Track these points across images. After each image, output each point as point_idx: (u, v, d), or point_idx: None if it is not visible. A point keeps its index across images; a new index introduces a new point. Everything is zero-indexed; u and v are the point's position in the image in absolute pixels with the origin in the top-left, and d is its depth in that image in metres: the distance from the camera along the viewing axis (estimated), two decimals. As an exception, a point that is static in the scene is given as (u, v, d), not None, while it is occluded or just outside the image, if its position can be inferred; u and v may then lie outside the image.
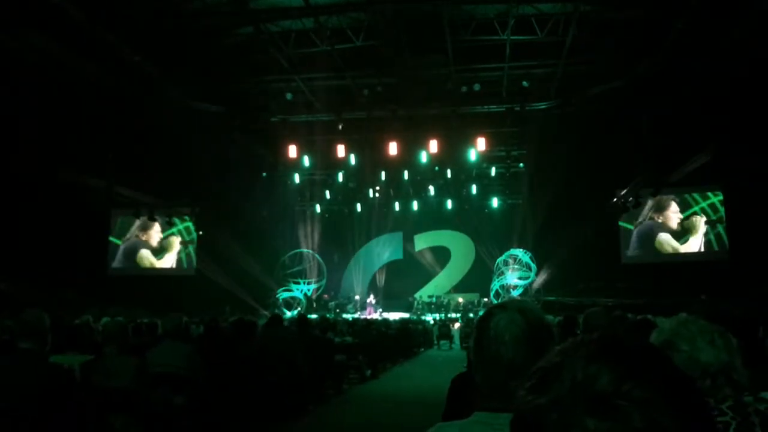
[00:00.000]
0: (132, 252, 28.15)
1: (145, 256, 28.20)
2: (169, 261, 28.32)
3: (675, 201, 25.31)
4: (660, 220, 25.53)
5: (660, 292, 19.80)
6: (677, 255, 25.06)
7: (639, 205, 23.16)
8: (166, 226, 27.29)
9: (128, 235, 28.18)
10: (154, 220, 25.77)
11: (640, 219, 25.55)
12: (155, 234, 28.17)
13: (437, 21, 18.03)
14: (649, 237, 25.58)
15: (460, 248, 31.69)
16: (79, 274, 22.07)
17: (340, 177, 27.20)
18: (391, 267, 32.09)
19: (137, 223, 27.38)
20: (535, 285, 27.17)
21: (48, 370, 3.54)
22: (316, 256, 29.40)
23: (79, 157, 20.15)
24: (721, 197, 24.69)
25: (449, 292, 30.89)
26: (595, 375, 0.67)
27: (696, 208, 25.22)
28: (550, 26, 18.59)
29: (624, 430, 0.63)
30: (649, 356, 0.71)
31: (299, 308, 27.19)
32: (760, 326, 3.82)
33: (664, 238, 25.40)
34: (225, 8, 18.01)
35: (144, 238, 28.22)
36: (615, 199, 23.46)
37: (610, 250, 25.30)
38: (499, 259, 28.16)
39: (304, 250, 29.42)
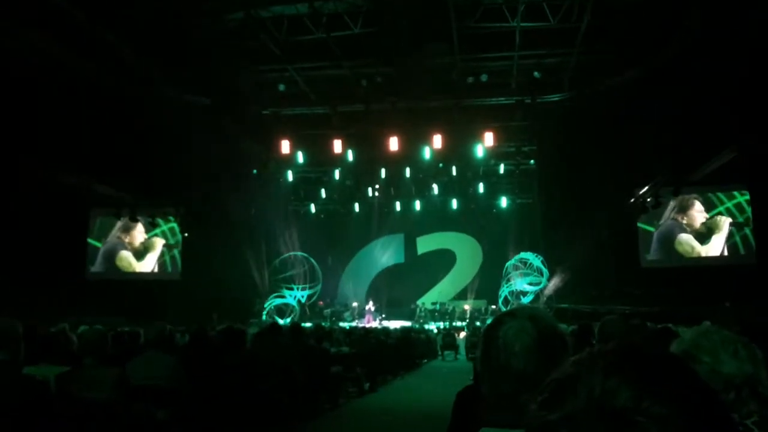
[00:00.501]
0: (112, 255, 28.12)
1: (126, 258, 28.19)
2: (151, 265, 28.30)
3: (699, 200, 25.33)
4: (683, 221, 25.55)
5: (681, 299, 19.79)
6: (700, 259, 25.06)
7: (659, 205, 23.15)
8: (149, 227, 27.28)
9: (108, 237, 28.18)
10: (136, 220, 25.77)
11: (662, 220, 25.56)
12: (138, 235, 28.17)
13: (441, 6, 18.02)
14: (669, 239, 25.59)
15: (466, 251, 31.70)
16: (55, 279, 22.02)
17: (337, 174, 27.22)
18: (391, 272, 32.09)
19: (118, 224, 27.38)
20: (547, 291, 27.16)
21: (21, 383, 3.53)
22: (311, 259, 29.38)
23: (54, 152, 20.12)
24: (747, 197, 24.68)
25: (454, 298, 30.90)
26: (614, 390, 0.67)
27: (721, 209, 25.22)
28: (563, 12, 18.58)
29: None
30: (672, 368, 0.70)
31: (292, 316, 27.17)
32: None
33: (685, 238, 25.42)
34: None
35: (126, 240, 28.21)
36: (633, 199, 23.44)
37: (628, 253, 25.26)
38: (508, 263, 28.14)
39: (298, 253, 29.41)
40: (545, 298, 26.89)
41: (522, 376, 1.47)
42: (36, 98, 18.34)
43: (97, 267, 28.11)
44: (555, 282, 26.97)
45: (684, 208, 25.49)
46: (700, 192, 24.90)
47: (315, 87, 22.98)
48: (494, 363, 1.51)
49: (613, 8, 18.28)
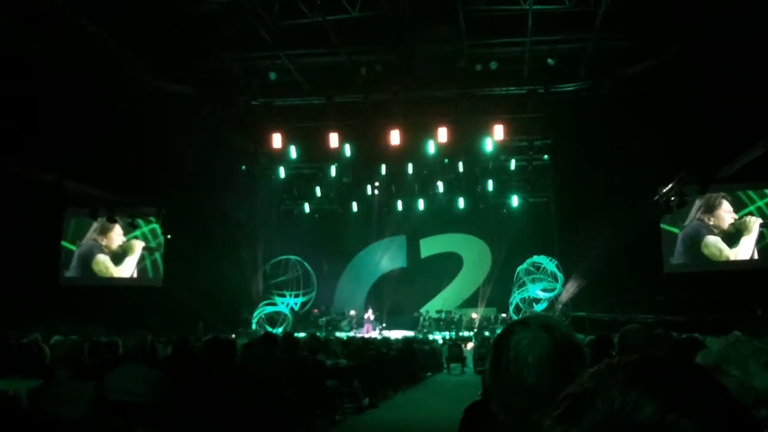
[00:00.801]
0: (87, 258, 28.13)
1: (103, 262, 28.19)
2: (131, 269, 28.31)
3: (727, 199, 25.32)
4: (710, 222, 25.56)
5: (708, 307, 19.79)
6: (728, 263, 25.06)
7: (684, 204, 23.13)
8: (129, 229, 27.28)
9: (83, 239, 28.18)
10: (114, 221, 25.77)
11: (687, 221, 25.57)
12: (116, 237, 28.18)
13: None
14: (695, 241, 25.61)
15: (474, 255, 31.69)
16: (26, 285, 22.04)
17: (333, 171, 27.19)
18: (392, 277, 32.05)
19: (94, 225, 27.38)
20: (562, 298, 27.17)
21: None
22: (305, 263, 29.36)
23: (22, 146, 20.10)
24: (780, 195, 24.74)
25: (461, 306, 30.88)
26: (635, 403, 0.67)
27: (751, 208, 25.23)
28: (580, -7, 18.59)
29: None
30: (699, 381, 0.70)
31: (284, 325, 27.17)
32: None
33: (712, 240, 25.42)
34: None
35: (103, 242, 28.21)
36: (656, 198, 23.43)
37: (651, 257, 25.27)
38: (520, 268, 28.14)
39: (291, 256, 29.39)
40: (560, 306, 26.90)
41: (535, 390, 1.47)
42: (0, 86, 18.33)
43: (71, 272, 28.11)
44: (571, 288, 26.97)
45: (711, 208, 25.49)
46: (728, 190, 24.92)
47: (309, 75, 22.97)
48: (505, 376, 1.52)
49: (634, -11, 18.29)
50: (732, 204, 25.44)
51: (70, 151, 21.59)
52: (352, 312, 29.75)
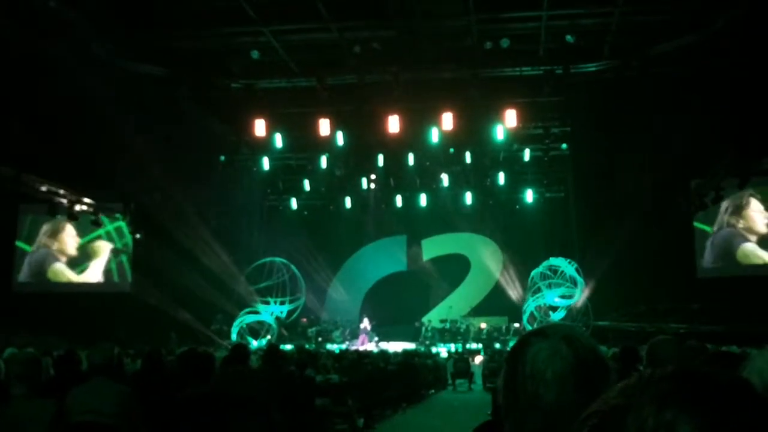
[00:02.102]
0: (42, 263, 28.11)
1: (60, 269, 28.18)
2: (95, 274, 28.29)
3: (756, 197, 25.26)
4: (740, 225, 25.55)
5: (747, 316, 19.82)
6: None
7: (720, 199, 23.18)
8: (92, 228, 27.23)
9: (34, 244, 28.15)
10: (76, 218, 25.72)
11: (715, 225, 25.60)
12: (69, 239, 28.10)
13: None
14: (729, 252, 25.58)
15: (483, 257, 31.68)
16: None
17: (324, 162, 27.16)
18: (391, 282, 32.05)
19: (44, 227, 27.42)
20: (580, 304, 27.17)
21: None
22: (292, 267, 29.37)
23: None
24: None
25: (468, 315, 30.88)
26: (671, 423, 0.67)
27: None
28: (603, -38, 18.63)
29: None
30: (742, 396, 0.70)
31: (269, 336, 27.16)
32: None
33: (750, 248, 25.41)
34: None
35: (54, 247, 28.15)
36: (690, 193, 23.45)
37: (683, 260, 25.31)
38: (535, 272, 28.15)
39: (276, 259, 29.40)
40: (579, 315, 26.92)
41: (554, 409, 1.48)
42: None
43: (25, 276, 28.09)
44: (591, 294, 26.99)
45: (738, 209, 25.43)
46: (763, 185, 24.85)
47: (297, 54, 22.93)
48: (520, 394, 1.52)
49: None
50: (762, 202, 25.37)
51: (26, 141, 21.55)
52: (346, 321, 29.73)
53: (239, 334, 27.06)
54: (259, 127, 24.15)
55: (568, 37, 21.73)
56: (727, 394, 0.69)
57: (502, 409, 1.58)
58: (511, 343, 1.69)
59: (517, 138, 25.86)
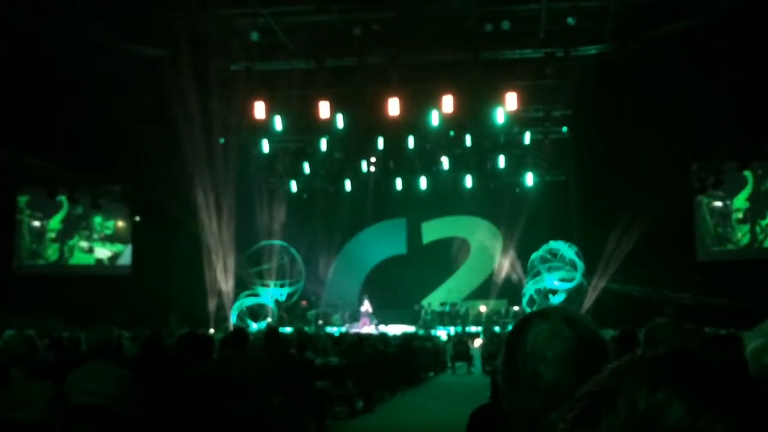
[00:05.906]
0: (41, 245, 28.18)
1: (57, 249, 28.25)
2: (94, 255, 28.34)
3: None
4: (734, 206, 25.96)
5: (751, 292, 19.85)
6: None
7: (721, 183, 23.20)
8: (91, 210, 27.25)
9: (34, 223, 28.22)
10: (75, 200, 25.73)
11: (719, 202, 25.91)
12: (74, 220, 28.18)
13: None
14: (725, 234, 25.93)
15: (483, 240, 31.74)
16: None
17: (323, 145, 27.16)
18: (390, 265, 32.14)
19: (40, 208, 27.47)
20: (581, 290, 27.19)
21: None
22: (291, 249, 29.40)
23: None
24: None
25: (468, 298, 30.97)
26: (662, 404, 0.67)
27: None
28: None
29: None
30: (736, 378, 0.70)
31: (268, 319, 27.22)
32: None
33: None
34: None
35: (50, 227, 28.24)
36: (690, 175, 23.45)
37: (683, 244, 25.38)
38: (535, 255, 28.19)
39: (275, 241, 29.42)
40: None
41: (554, 389, 1.47)
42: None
43: (25, 258, 28.15)
44: (588, 276, 27.02)
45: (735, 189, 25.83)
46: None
47: (296, 36, 22.87)
48: (520, 373, 1.51)
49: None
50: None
51: (27, 122, 21.53)
52: (345, 304, 29.78)
53: (239, 316, 27.13)
54: (259, 110, 24.13)
55: (569, 20, 21.69)
56: (720, 375, 0.69)
57: (501, 388, 1.57)
58: (510, 327, 1.70)
59: (518, 121, 25.85)
